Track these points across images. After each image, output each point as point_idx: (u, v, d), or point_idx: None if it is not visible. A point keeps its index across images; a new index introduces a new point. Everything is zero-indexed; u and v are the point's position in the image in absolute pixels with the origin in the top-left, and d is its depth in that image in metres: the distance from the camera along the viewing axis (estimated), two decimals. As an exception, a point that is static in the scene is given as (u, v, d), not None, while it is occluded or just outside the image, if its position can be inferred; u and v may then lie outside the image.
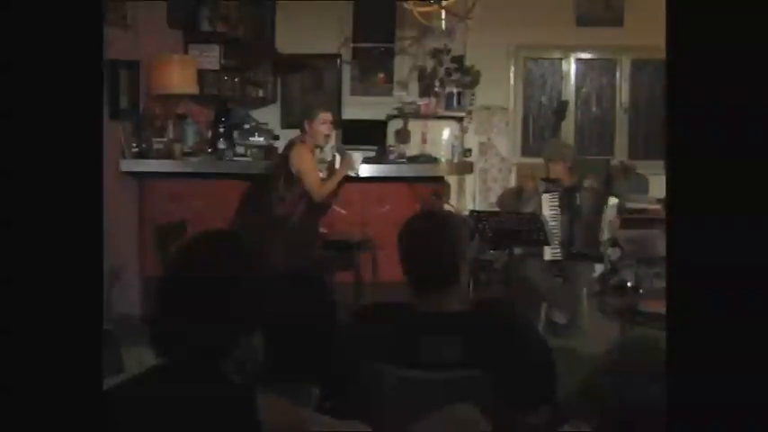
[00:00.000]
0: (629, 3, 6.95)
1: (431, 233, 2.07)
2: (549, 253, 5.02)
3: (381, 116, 6.95)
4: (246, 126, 5.97)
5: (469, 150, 6.96)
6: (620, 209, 5.37)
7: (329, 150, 6.56)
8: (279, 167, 4.69)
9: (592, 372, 1.48)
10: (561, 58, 7.33)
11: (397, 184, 5.58)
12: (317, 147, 4.58)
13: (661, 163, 5.94)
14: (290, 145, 4.79)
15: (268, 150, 5.74)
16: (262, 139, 5.85)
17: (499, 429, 1.72)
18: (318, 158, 6.20)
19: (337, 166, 4.95)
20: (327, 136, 4.60)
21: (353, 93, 7.29)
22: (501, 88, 7.21)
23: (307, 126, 4.58)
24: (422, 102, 6.94)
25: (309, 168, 4.55)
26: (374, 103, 7.10)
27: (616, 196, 5.32)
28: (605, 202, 5.14)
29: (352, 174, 4.61)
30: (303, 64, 7.10)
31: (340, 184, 4.80)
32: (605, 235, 5.15)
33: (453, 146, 6.79)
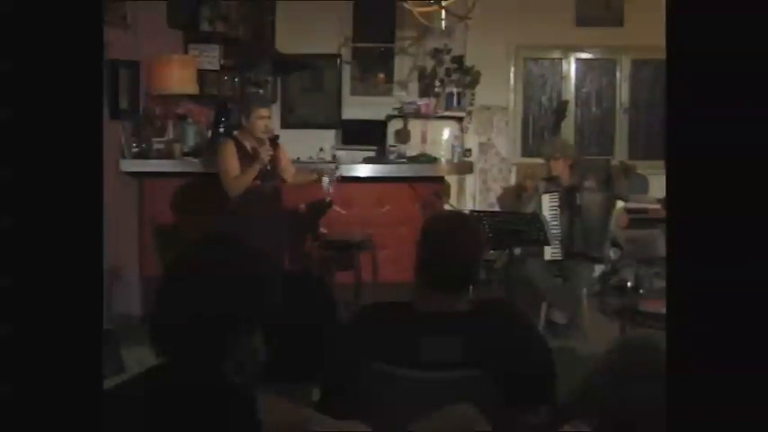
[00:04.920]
0: (629, 3, 6.95)
1: (459, 234, 2.08)
2: (549, 253, 5.02)
3: (381, 116, 6.96)
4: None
5: (469, 150, 6.96)
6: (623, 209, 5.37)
7: (329, 150, 6.58)
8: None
9: (592, 372, 1.48)
10: (561, 58, 7.33)
11: (397, 184, 5.59)
12: (258, 141, 4.57)
13: (661, 163, 5.94)
14: (220, 143, 4.86)
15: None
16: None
17: (499, 429, 1.72)
18: (318, 158, 6.23)
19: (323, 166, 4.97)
20: (262, 132, 4.59)
21: (353, 93, 7.30)
22: (501, 88, 7.21)
23: (245, 121, 4.60)
24: (422, 102, 6.95)
25: (224, 163, 4.56)
26: (374, 103, 7.10)
27: (622, 199, 5.32)
28: (613, 205, 5.13)
29: (266, 163, 4.59)
30: (303, 64, 7.10)
31: (333, 184, 4.81)
32: (609, 236, 5.16)
33: (453, 146, 6.80)
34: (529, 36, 7.02)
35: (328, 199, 4.84)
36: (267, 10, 7.00)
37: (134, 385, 1.39)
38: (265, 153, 4.51)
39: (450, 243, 2.06)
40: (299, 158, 5.83)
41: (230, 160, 4.54)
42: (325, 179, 4.78)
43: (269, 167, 4.61)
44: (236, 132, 4.82)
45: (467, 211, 6.01)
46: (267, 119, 4.64)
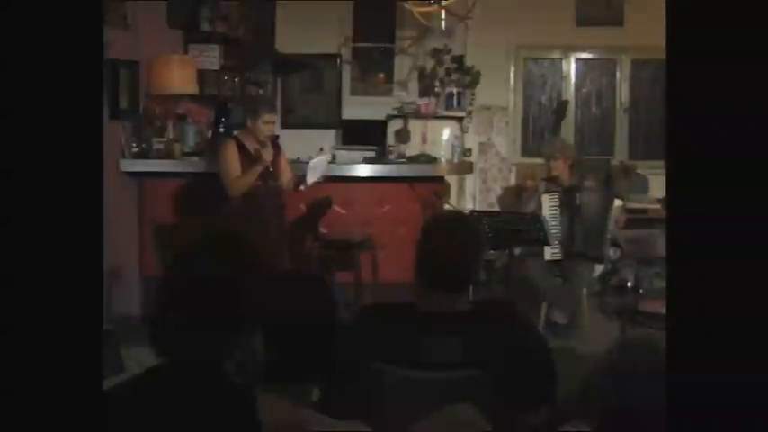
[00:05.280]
0: (629, 3, 6.95)
1: (457, 235, 2.08)
2: (549, 253, 5.02)
3: (381, 116, 6.95)
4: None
5: (469, 150, 6.96)
6: (624, 208, 5.37)
7: (330, 150, 6.58)
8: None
9: (592, 372, 1.48)
10: (561, 58, 7.33)
11: (397, 184, 5.58)
12: (260, 144, 4.56)
13: (661, 163, 5.94)
14: (221, 143, 4.85)
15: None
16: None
17: (499, 429, 1.72)
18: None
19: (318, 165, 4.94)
20: (267, 136, 4.59)
21: (353, 93, 7.29)
22: (501, 88, 7.21)
23: (250, 123, 4.59)
24: (422, 102, 6.95)
25: (225, 164, 4.55)
26: (374, 103, 7.10)
27: (619, 197, 5.32)
28: (611, 204, 5.13)
29: (266, 166, 4.56)
30: (303, 64, 7.10)
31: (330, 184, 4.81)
32: (608, 235, 5.16)
33: (453, 146, 6.79)
34: (529, 36, 7.02)
35: (302, 187, 4.79)
36: (267, 10, 7.00)
37: (134, 385, 1.39)
38: (267, 155, 4.51)
39: (448, 243, 2.06)
40: (299, 159, 5.83)
41: (231, 161, 4.53)
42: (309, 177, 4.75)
43: (271, 169, 4.61)
44: (236, 132, 4.82)
45: (467, 211, 6.01)
46: (273, 124, 4.64)
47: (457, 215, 2.56)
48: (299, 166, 5.33)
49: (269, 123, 4.57)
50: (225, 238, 1.50)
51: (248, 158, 4.54)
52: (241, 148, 4.56)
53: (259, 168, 4.49)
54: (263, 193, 4.60)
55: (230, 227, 4.49)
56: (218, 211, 4.60)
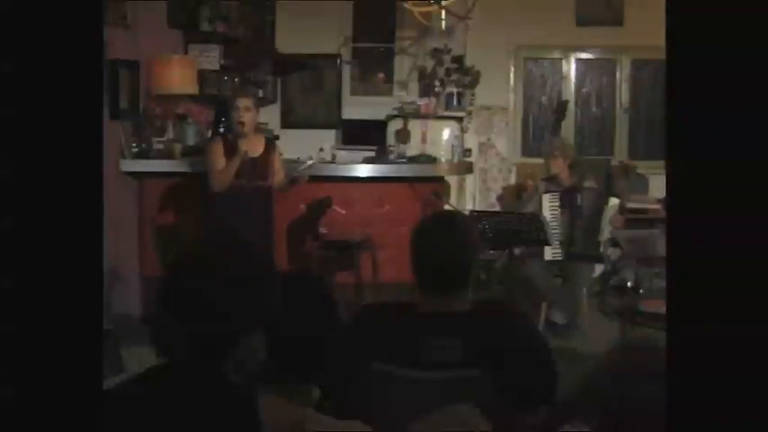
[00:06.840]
0: (629, 3, 6.95)
1: (446, 235, 2.07)
2: (549, 253, 5.02)
3: (381, 116, 6.95)
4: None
5: (469, 150, 6.96)
6: (621, 209, 5.38)
7: (329, 150, 6.58)
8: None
9: (592, 372, 1.48)
10: (561, 58, 7.32)
11: (397, 184, 5.59)
12: (248, 141, 4.51)
13: (661, 163, 5.94)
14: (210, 141, 4.84)
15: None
16: (261, 139, 5.82)
17: (499, 429, 1.72)
18: (319, 158, 6.22)
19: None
20: (241, 123, 4.47)
21: (353, 93, 7.29)
22: (501, 88, 7.21)
23: (232, 114, 4.53)
24: (422, 102, 6.95)
25: (210, 161, 4.53)
26: (374, 103, 7.10)
27: (616, 196, 5.33)
28: (606, 203, 5.14)
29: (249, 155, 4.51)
30: (303, 64, 7.10)
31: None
32: (605, 235, 5.16)
33: (453, 146, 6.79)
34: (529, 36, 7.02)
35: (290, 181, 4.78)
36: (267, 10, 7.00)
37: (134, 385, 1.39)
38: (250, 145, 4.45)
39: (436, 245, 2.05)
40: (298, 158, 5.83)
41: (216, 157, 4.50)
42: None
43: (258, 167, 4.54)
44: (229, 133, 4.80)
45: (466, 212, 6.01)
46: (246, 110, 4.48)
47: (445, 216, 2.54)
48: (298, 166, 5.33)
49: (242, 109, 4.46)
50: (225, 237, 1.50)
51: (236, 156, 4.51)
52: (228, 145, 4.53)
53: (237, 161, 4.42)
54: (250, 191, 4.53)
55: (216, 225, 4.46)
56: (208, 210, 4.57)
